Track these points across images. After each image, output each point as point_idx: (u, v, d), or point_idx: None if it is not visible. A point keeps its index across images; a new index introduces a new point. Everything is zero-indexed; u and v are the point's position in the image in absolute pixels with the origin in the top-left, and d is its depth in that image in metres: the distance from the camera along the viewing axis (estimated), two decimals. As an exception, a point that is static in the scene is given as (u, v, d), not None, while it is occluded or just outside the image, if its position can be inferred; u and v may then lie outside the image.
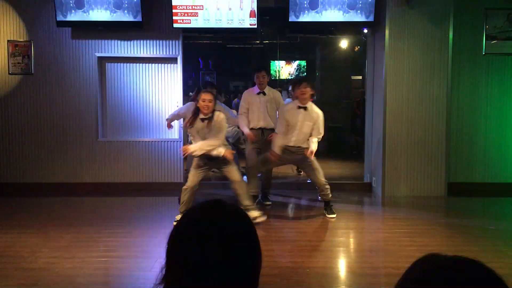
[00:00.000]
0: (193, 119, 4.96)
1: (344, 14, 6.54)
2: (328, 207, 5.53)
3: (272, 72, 13.91)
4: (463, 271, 0.81)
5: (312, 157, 5.25)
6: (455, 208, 6.19)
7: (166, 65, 7.07)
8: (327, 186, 5.46)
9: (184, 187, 5.06)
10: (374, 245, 4.63)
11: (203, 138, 4.98)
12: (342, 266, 4.08)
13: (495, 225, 5.11)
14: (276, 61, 13.97)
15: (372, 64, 7.18)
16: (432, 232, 4.91)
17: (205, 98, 4.87)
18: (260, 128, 5.95)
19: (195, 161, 5.12)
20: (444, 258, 0.85)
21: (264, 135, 5.92)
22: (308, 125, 5.29)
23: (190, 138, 5.16)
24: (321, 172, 5.41)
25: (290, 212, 6.41)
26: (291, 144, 5.37)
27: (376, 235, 4.84)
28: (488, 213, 5.87)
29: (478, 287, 0.79)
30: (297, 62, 14.11)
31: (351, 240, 4.91)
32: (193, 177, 5.05)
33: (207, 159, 5.05)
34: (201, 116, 4.92)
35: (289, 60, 14.14)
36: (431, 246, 4.55)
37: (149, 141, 7.04)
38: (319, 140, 5.37)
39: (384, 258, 4.31)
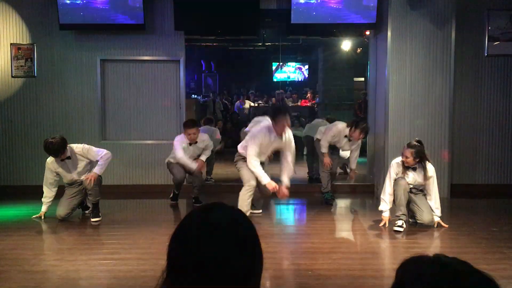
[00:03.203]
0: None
1: (346, 15, 6.54)
2: None
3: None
4: (446, 272, 0.84)
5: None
6: (458, 209, 6.17)
7: (168, 67, 7.08)
8: None
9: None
10: (377, 247, 4.61)
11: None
12: (344, 268, 4.07)
13: (498, 226, 5.09)
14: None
15: (374, 65, 7.17)
16: (435, 233, 4.89)
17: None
18: None
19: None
20: (426, 259, 0.89)
21: None
22: None
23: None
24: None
25: (292, 214, 6.40)
26: None
27: (379, 237, 4.83)
28: (491, 214, 5.85)
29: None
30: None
31: (354, 242, 4.90)
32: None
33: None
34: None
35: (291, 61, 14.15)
36: (434, 248, 4.55)
37: (151, 144, 7.05)
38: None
39: (387, 260, 4.30)
